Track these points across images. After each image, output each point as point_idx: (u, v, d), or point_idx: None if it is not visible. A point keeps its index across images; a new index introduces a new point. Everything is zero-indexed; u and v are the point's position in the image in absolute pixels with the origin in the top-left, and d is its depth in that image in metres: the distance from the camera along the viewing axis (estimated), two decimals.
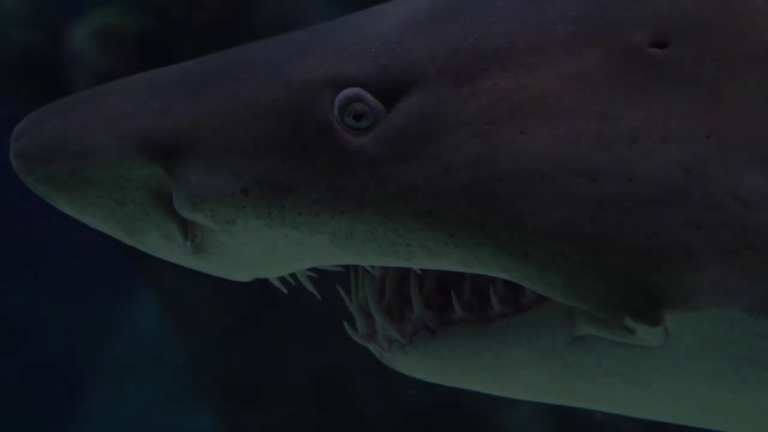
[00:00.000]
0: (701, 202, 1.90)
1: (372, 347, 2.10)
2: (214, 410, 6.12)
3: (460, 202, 1.91)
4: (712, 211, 1.90)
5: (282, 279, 2.08)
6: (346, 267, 2.09)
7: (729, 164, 1.91)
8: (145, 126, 1.97)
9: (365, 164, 1.94)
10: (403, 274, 2.06)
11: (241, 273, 2.03)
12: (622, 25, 1.98)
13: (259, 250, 1.98)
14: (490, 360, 2.00)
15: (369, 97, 1.96)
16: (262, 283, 2.10)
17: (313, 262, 2.00)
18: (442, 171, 1.92)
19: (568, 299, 1.92)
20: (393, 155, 1.94)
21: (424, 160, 1.93)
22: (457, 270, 1.95)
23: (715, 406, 2.01)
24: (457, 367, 2.03)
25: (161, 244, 2.01)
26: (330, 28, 2.06)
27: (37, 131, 2.00)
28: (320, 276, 2.09)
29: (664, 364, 1.96)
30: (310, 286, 2.09)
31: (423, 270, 2.02)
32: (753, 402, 1.98)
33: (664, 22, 1.98)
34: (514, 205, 1.90)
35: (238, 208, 1.94)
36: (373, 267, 2.07)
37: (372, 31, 2.02)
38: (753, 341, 1.92)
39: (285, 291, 2.09)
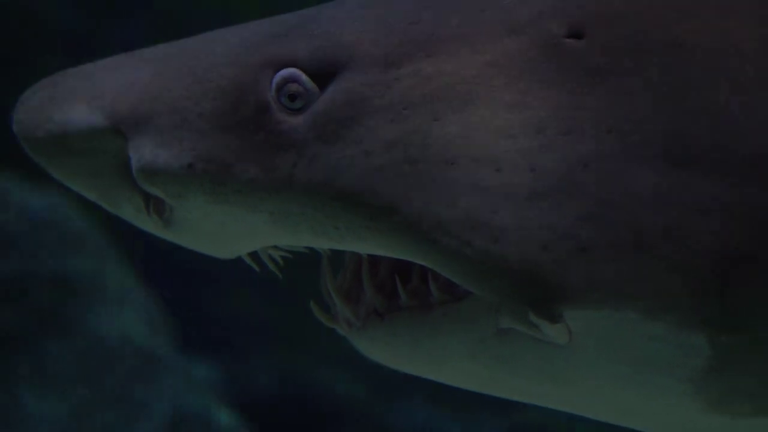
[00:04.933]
0: (597, 197, 1.91)
1: (337, 328, 2.15)
2: None
3: (377, 185, 1.95)
4: (607, 207, 1.90)
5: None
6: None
7: (627, 160, 1.91)
8: (113, 100, 2.06)
9: (296, 144, 1.99)
10: (369, 258, 2.09)
11: (210, 249, 2.11)
12: (544, 15, 1.99)
13: (212, 225, 2.05)
14: (429, 348, 2.03)
15: (304, 77, 2.01)
16: None
17: (263, 241, 2.07)
18: (362, 154, 1.97)
19: (475, 289, 1.95)
20: (320, 136, 1.99)
21: (347, 142, 1.98)
22: (383, 254, 2.00)
23: (628, 407, 2.02)
24: (402, 353, 2.07)
25: (136, 216, 2.11)
26: (291, 14, 2.11)
27: (30, 102, 2.12)
28: None
29: (574, 363, 1.97)
30: (272, 267, 2.15)
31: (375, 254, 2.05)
32: (658, 405, 1.99)
33: (582, 13, 1.98)
34: (425, 192, 1.94)
35: (185, 182, 2.02)
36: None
37: (317, 15, 2.08)
38: (646, 344, 1.93)
39: (257, 269, 2.16)
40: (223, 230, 2.05)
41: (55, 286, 6.52)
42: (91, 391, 6.37)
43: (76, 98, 2.08)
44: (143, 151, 2.03)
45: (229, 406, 6.83)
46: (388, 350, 2.08)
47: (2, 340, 6.32)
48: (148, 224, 2.11)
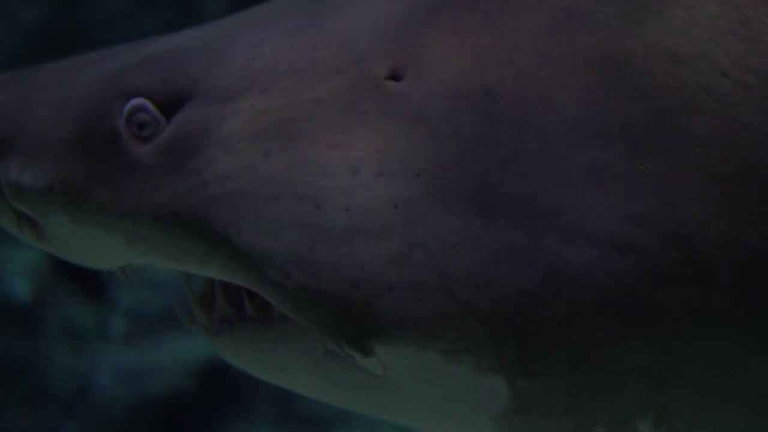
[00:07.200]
0: (405, 239, 1.94)
1: (196, 330, 2.22)
2: None
3: (212, 216, 2.02)
4: (414, 249, 1.94)
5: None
6: None
7: (434, 204, 1.94)
8: None
9: (143, 172, 2.07)
10: None
11: (83, 260, 2.19)
12: (369, 55, 2.01)
13: (78, 242, 2.14)
14: (271, 359, 2.11)
15: (151, 107, 2.07)
16: None
17: (123, 259, 2.14)
18: (200, 185, 2.03)
19: (296, 318, 2.01)
20: (164, 165, 2.06)
21: (187, 172, 2.04)
22: (225, 279, 2.07)
23: None
24: (249, 361, 2.15)
25: (12, 229, 2.20)
26: (153, 42, 2.18)
27: None
28: None
29: (392, 392, 2.02)
30: (131, 281, 2.22)
31: None
32: None
33: (403, 55, 2.00)
34: (253, 224, 2.00)
35: (47, 203, 2.11)
36: None
37: (172, 46, 2.15)
38: (451, 383, 1.96)
39: (126, 281, 2.23)
40: (89, 246, 2.14)
41: None
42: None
43: None
44: (9, 172, 2.13)
45: None
46: (237, 357, 2.17)
47: None
48: (24, 236, 2.21)
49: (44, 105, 2.14)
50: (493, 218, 1.92)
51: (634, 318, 1.90)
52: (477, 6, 2.01)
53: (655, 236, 1.90)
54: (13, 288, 6.15)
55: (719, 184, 1.89)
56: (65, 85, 2.15)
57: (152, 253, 2.09)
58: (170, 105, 2.08)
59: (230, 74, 2.07)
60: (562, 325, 1.91)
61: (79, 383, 6.16)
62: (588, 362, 1.92)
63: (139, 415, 6.20)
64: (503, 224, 1.92)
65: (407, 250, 1.93)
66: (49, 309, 6.21)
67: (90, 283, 6.24)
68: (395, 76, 1.99)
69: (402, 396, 2.01)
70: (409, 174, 1.95)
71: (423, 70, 1.98)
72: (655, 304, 1.90)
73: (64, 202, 2.10)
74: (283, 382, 2.16)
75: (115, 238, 2.10)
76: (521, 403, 1.95)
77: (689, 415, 1.95)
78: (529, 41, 1.97)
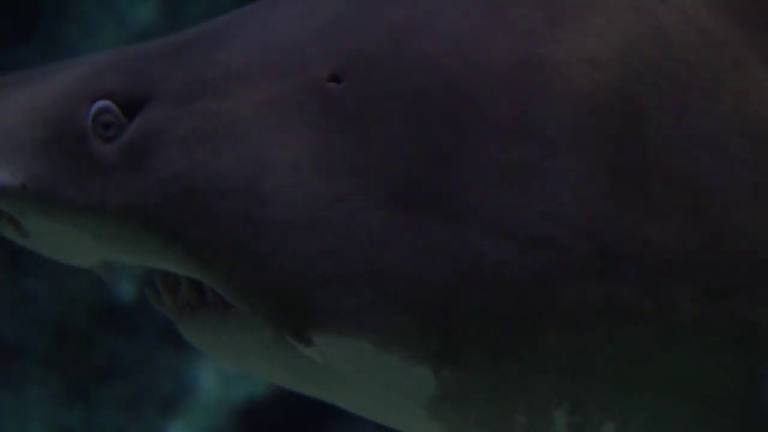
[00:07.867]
0: (339, 233, 2.02)
1: (165, 312, 2.29)
2: None
3: (166, 213, 2.10)
4: (347, 243, 2.01)
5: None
6: None
7: (366, 201, 2.02)
8: None
9: (107, 171, 2.15)
10: None
11: (61, 258, 2.28)
12: (313, 58, 2.09)
13: (54, 239, 2.23)
14: (228, 343, 2.18)
15: (115, 109, 2.16)
16: None
17: (98, 256, 2.22)
18: (156, 183, 2.11)
19: (244, 309, 2.09)
20: (125, 164, 2.14)
21: (145, 171, 2.13)
22: (183, 273, 2.15)
23: (395, 424, 2.14)
24: (210, 345, 2.22)
25: None
26: (128, 47, 2.28)
27: None
28: None
29: (335, 382, 2.09)
30: (111, 279, 2.28)
31: None
32: (411, 426, 2.11)
33: (343, 57, 2.08)
34: (204, 221, 2.08)
35: (21, 201, 2.20)
36: None
37: (137, 51, 2.24)
38: (384, 373, 2.03)
39: (105, 279, 2.29)
40: (65, 243, 2.22)
41: None
42: None
43: None
44: None
45: None
46: (198, 340, 2.24)
47: None
48: (9, 234, 2.29)
49: (18, 106, 2.24)
50: (420, 214, 2.00)
51: (547, 310, 1.98)
52: (414, 10, 2.09)
53: (567, 232, 1.97)
54: (117, 289, 6.22)
55: (629, 183, 1.97)
56: (39, 88, 2.25)
57: (119, 250, 2.18)
58: (132, 107, 2.17)
59: (187, 78, 2.15)
60: (481, 316, 1.99)
61: (183, 385, 6.21)
62: (505, 353, 2.00)
63: (242, 416, 6.22)
64: (429, 220, 2.00)
65: (341, 244, 2.01)
66: (154, 310, 6.27)
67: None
68: (336, 78, 2.07)
69: (345, 385, 2.08)
70: (345, 172, 2.03)
71: (361, 72, 2.06)
72: (567, 297, 1.97)
73: (36, 201, 2.19)
74: (240, 366, 2.24)
75: (86, 236, 2.18)
76: (447, 391, 2.03)
77: (602, 404, 2.01)
78: (458, 45, 2.05)
